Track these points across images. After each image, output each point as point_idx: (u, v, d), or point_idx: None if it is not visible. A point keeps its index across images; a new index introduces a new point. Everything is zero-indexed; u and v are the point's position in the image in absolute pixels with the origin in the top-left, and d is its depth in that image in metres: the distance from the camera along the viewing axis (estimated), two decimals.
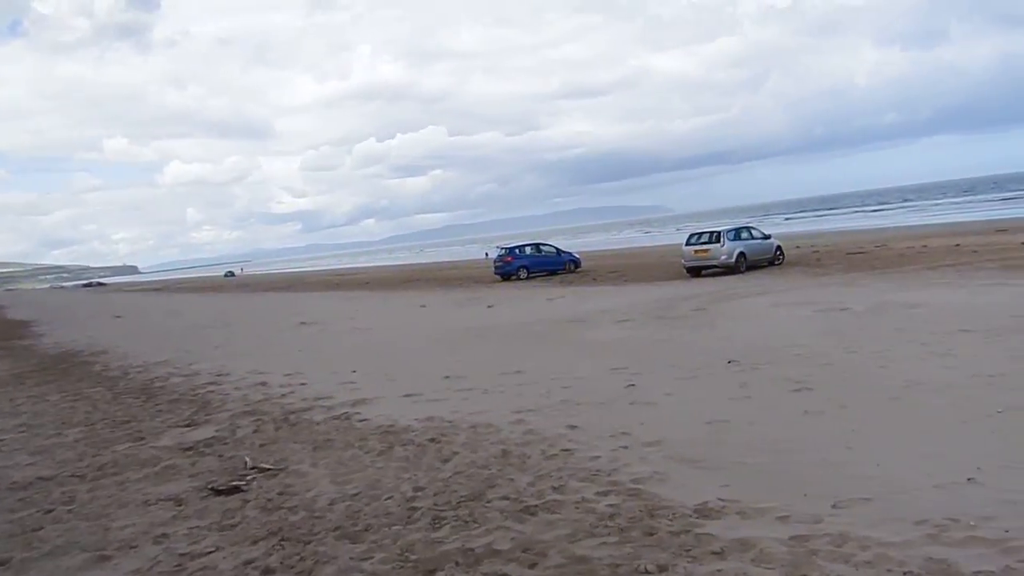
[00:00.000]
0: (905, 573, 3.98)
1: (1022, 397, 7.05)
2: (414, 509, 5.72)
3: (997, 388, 7.47)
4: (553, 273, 33.07)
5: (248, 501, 6.31)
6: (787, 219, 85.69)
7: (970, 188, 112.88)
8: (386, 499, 6.00)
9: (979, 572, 3.90)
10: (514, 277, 32.61)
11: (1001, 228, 32.16)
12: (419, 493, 6.07)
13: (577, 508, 5.43)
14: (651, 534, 4.84)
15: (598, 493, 5.69)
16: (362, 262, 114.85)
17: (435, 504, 5.79)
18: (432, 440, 7.63)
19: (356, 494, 6.20)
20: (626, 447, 6.78)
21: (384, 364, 12.90)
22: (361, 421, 8.82)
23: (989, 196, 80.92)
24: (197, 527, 5.85)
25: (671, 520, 5.03)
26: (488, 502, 5.74)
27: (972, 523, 4.49)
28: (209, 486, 6.77)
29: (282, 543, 5.33)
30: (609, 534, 4.93)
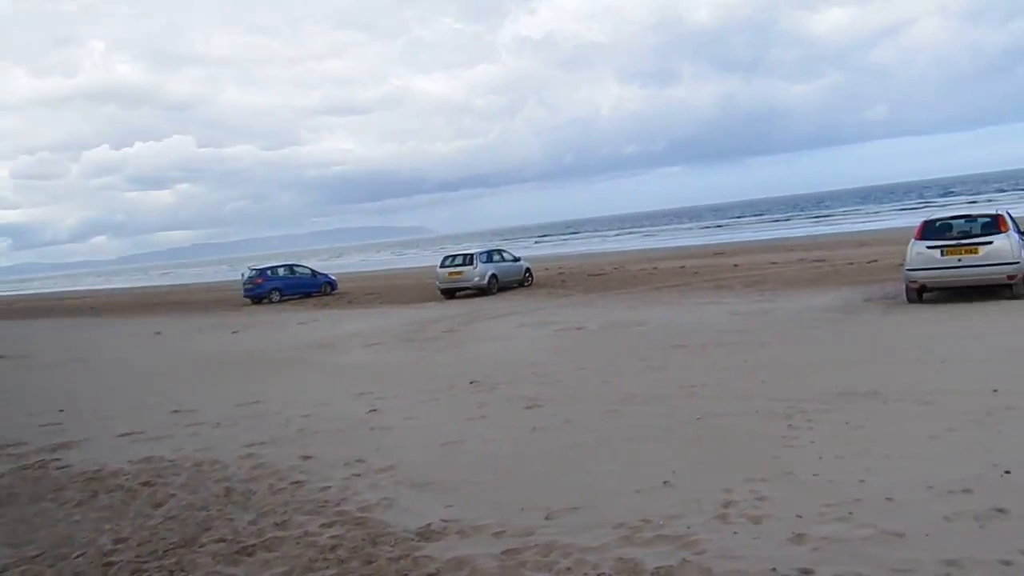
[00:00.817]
0: (599, 575, 4.26)
1: (716, 404, 7.94)
2: (110, 564, 5.11)
3: (698, 397, 8.35)
4: (308, 295, 32.05)
5: None
6: (537, 242, 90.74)
7: (696, 216, 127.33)
8: (76, 557, 5.29)
9: (660, 567, 4.27)
10: (266, 300, 31.07)
11: (718, 251, 36.67)
12: (120, 545, 5.45)
13: (298, 543, 5.19)
14: (370, 562, 4.74)
15: (323, 525, 5.49)
16: (90, 284, 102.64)
17: (137, 556, 5.22)
18: (145, 484, 6.92)
19: (37, 556, 5.39)
20: (359, 475, 6.64)
21: (101, 401, 11.57)
22: (60, 468, 7.77)
23: (710, 222, 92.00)
24: None
25: (392, 546, 4.97)
26: (200, 547, 5.29)
27: (661, 523, 4.92)
28: None
29: None
30: (328, 567, 4.75)
